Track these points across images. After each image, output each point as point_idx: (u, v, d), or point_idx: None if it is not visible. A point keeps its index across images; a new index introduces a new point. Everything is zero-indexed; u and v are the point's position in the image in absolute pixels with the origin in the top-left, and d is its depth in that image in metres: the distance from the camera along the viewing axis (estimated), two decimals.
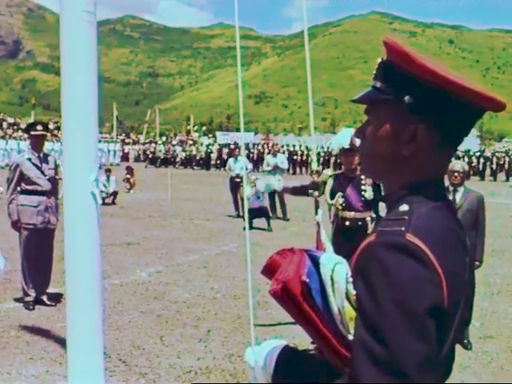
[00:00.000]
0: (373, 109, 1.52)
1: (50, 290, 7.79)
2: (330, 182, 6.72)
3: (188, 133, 67.59)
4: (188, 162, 47.27)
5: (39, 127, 7.56)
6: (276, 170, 16.36)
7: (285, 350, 1.72)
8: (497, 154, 47.46)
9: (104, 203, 19.18)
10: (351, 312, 1.36)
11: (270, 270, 1.51)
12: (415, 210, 1.37)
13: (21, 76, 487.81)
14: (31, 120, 61.39)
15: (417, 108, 1.41)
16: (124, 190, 23.15)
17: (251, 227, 15.00)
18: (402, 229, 1.30)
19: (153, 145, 53.42)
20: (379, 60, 1.51)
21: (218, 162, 46.75)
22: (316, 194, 3.27)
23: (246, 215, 2.98)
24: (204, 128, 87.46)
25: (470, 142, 53.00)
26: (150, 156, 49.52)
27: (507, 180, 42.73)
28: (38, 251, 7.55)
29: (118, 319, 7.10)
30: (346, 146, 6.48)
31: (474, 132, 76.98)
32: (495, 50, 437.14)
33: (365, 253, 1.32)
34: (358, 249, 1.43)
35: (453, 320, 1.35)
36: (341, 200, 6.67)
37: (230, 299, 8.19)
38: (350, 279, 1.36)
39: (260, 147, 47.31)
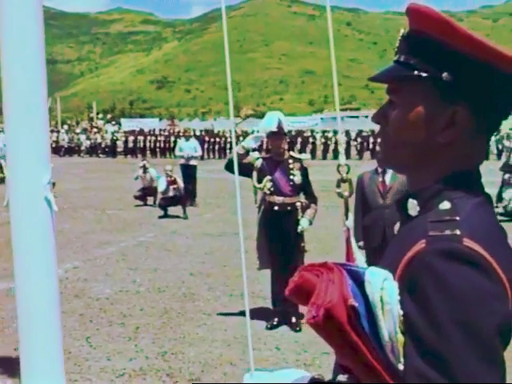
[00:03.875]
0: (398, 88, 1.26)
1: None
2: (258, 165, 6.52)
3: (91, 120, 65.83)
4: (93, 150, 45.95)
5: None
6: (190, 155, 16.08)
7: (314, 381, 1.44)
8: None
9: None
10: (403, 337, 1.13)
11: (301, 292, 1.22)
12: (461, 208, 1.14)
13: None
14: None
15: (457, 87, 1.17)
16: None
17: (166, 215, 14.69)
18: (457, 232, 1.06)
19: (55, 134, 51.63)
20: (403, 31, 1.26)
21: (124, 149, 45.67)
22: (346, 193, 2.90)
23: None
24: (109, 116, 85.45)
25: None
26: (53, 145, 47.88)
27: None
28: None
29: None
30: (274, 129, 6.28)
31: None
32: (391, 31, 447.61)
33: (415, 263, 1.07)
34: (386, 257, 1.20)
35: None
36: (269, 184, 6.49)
37: (154, 293, 7.86)
38: (398, 297, 1.12)
39: (166, 133, 46.50)
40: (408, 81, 1.23)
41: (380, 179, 6.46)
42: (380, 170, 6.52)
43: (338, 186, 2.60)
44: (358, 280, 1.13)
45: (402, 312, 1.08)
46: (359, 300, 1.10)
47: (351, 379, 1.23)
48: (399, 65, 1.26)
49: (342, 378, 1.25)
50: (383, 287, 1.09)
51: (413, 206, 1.26)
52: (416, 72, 1.21)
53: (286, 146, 6.71)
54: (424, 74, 1.20)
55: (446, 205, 1.16)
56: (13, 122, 1.51)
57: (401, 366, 1.08)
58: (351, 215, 2.61)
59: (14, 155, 1.52)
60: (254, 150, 6.60)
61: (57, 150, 46.96)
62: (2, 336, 6.26)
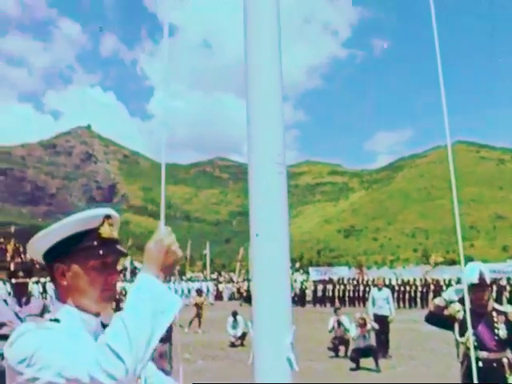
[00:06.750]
0: None
1: None
2: (460, 318, 6.33)
3: None
4: None
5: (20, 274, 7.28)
6: (383, 305, 16.03)
7: None
8: None
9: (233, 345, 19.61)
10: None
11: None
12: None
13: None
14: (127, 261, 62.74)
15: None
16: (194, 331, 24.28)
17: (358, 367, 14.39)
18: None
19: (246, 283, 53.37)
20: None
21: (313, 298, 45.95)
22: None
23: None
24: (297, 264, 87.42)
25: None
26: (245, 294, 49.36)
27: None
28: None
29: None
30: (475, 281, 6.13)
31: None
32: None
33: None
34: None
35: None
36: (472, 338, 6.24)
37: None
38: None
39: (355, 282, 46.31)
40: None
41: None
42: None
43: None
44: None
45: None
46: None
47: None
48: None
49: None
50: None
51: None
52: None
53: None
54: None
55: None
56: (259, 288, 1.69)
57: None
58: None
59: (258, 317, 1.69)
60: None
61: (248, 299, 48.24)
62: None
